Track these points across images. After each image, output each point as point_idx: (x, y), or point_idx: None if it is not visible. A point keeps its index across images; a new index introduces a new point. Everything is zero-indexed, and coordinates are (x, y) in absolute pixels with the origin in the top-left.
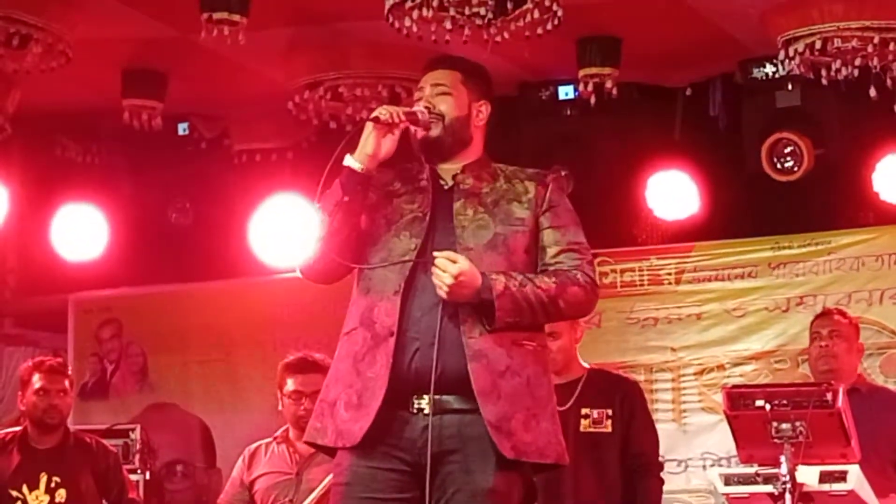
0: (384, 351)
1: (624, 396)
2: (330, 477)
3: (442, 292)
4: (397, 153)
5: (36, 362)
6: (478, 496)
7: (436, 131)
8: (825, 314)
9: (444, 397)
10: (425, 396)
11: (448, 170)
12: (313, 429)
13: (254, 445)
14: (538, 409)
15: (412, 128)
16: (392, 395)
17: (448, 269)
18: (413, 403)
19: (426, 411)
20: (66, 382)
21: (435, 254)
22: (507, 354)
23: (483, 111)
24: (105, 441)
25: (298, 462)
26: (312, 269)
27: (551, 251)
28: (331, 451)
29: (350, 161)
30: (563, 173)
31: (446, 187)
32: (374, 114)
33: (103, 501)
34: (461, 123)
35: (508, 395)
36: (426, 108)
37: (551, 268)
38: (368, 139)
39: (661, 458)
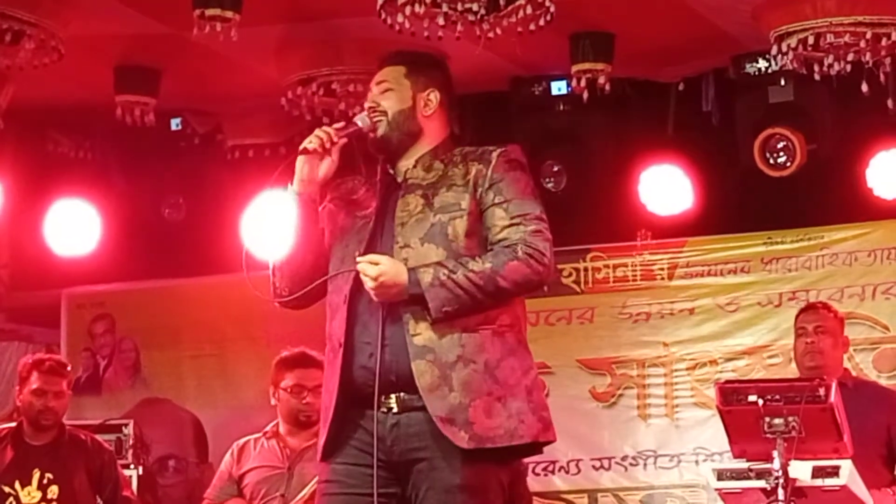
0: (336, 362)
1: None
2: None
3: (373, 295)
4: (367, 158)
5: (36, 360)
6: (449, 492)
7: (381, 129)
8: (810, 308)
9: (410, 395)
10: (392, 395)
11: (402, 166)
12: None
13: (242, 440)
14: (503, 391)
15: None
16: (353, 399)
17: (367, 272)
18: (382, 403)
19: (395, 410)
20: (64, 384)
21: (357, 259)
22: (459, 344)
23: (432, 99)
24: (98, 437)
25: (290, 457)
26: (283, 302)
27: (495, 230)
28: None
29: (289, 190)
30: (555, 169)
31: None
32: (303, 145)
33: (97, 498)
34: (405, 116)
35: (463, 385)
36: (371, 107)
37: (497, 246)
38: (303, 167)
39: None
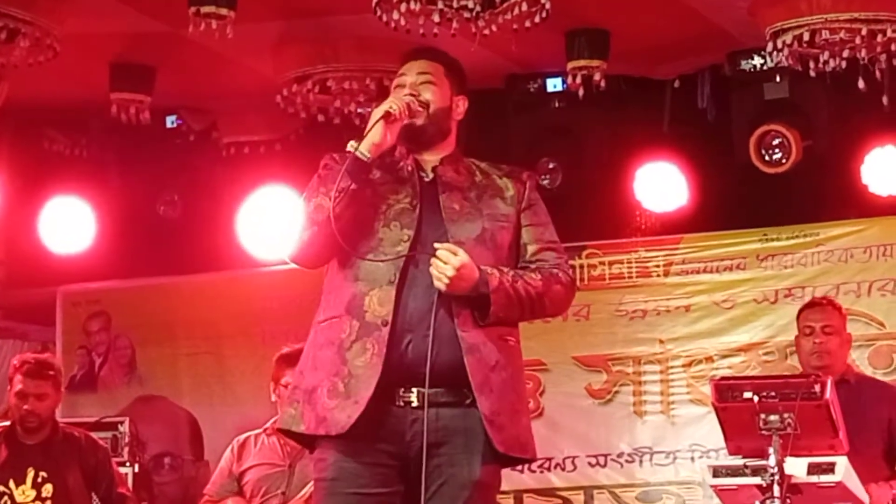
0: (377, 340)
1: None
2: None
3: (441, 284)
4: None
5: (21, 361)
6: (465, 488)
7: (420, 120)
8: (815, 305)
9: (432, 390)
10: (414, 389)
11: (427, 161)
12: (287, 416)
13: (243, 436)
14: (520, 404)
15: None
16: (381, 385)
17: (450, 261)
18: (400, 396)
19: (414, 404)
20: (48, 385)
21: (437, 245)
22: (497, 349)
23: (461, 106)
24: (94, 434)
25: (290, 454)
26: (305, 254)
27: (532, 248)
28: (305, 440)
29: (357, 149)
30: (551, 165)
31: (427, 179)
32: (386, 108)
33: (93, 495)
34: (444, 114)
35: (498, 390)
36: (411, 95)
37: (532, 265)
38: (377, 130)
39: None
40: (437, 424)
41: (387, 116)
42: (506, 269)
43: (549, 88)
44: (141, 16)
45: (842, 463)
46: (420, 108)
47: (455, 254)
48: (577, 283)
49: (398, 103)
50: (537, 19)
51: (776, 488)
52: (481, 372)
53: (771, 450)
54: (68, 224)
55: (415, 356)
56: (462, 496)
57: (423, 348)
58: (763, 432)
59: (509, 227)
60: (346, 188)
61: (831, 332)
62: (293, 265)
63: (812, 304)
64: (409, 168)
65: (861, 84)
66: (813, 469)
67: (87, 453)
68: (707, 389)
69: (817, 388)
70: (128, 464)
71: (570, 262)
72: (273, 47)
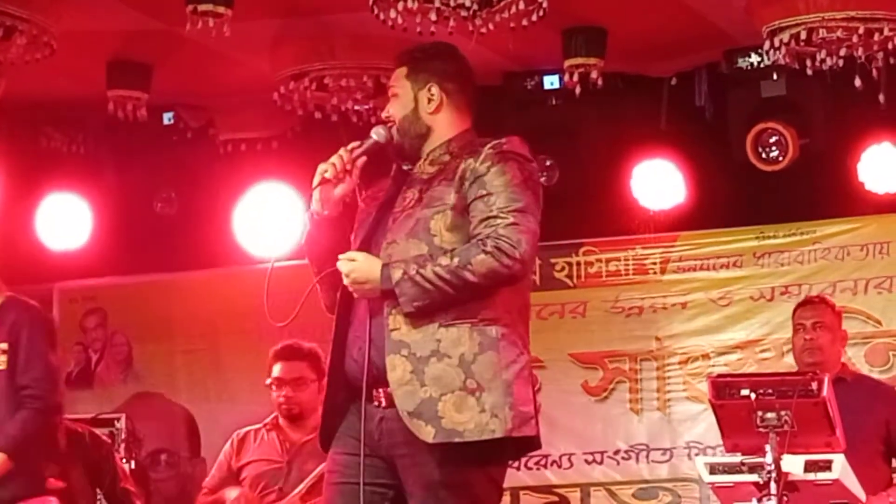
0: (333, 354)
1: (11, 327)
2: (323, 465)
3: (352, 291)
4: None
5: None
6: (430, 488)
7: (396, 137)
8: (807, 303)
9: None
10: (381, 390)
11: (419, 163)
12: None
13: (242, 431)
14: (477, 386)
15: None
16: (346, 392)
17: (342, 269)
18: (374, 396)
19: (383, 404)
20: None
21: (339, 256)
22: (435, 338)
23: (433, 94)
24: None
25: (289, 451)
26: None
27: (473, 223)
28: None
29: (310, 212)
30: (548, 163)
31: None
32: (321, 173)
33: (97, 491)
34: (409, 121)
35: (435, 379)
36: (386, 117)
37: (473, 240)
38: (317, 192)
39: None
40: (398, 424)
41: (323, 183)
42: (419, 258)
43: (547, 86)
44: (138, 14)
45: (839, 460)
46: (390, 125)
47: (353, 260)
48: (574, 280)
49: (332, 165)
50: (534, 17)
51: (773, 485)
52: (406, 367)
53: (768, 447)
54: (65, 221)
55: (362, 362)
56: (431, 497)
57: (370, 352)
58: (760, 429)
59: (446, 208)
60: (317, 258)
61: (821, 328)
62: (289, 262)
63: (804, 303)
64: (392, 176)
65: (858, 82)
66: (810, 466)
67: (90, 449)
68: (704, 386)
69: (814, 385)
70: (124, 460)
71: (517, 235)
72: (270, 45)
